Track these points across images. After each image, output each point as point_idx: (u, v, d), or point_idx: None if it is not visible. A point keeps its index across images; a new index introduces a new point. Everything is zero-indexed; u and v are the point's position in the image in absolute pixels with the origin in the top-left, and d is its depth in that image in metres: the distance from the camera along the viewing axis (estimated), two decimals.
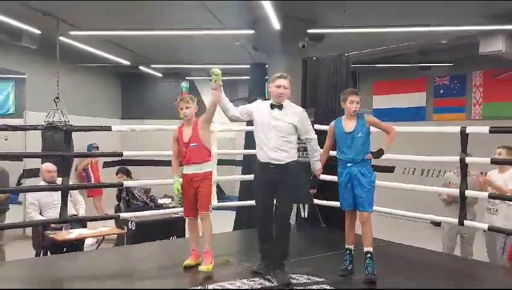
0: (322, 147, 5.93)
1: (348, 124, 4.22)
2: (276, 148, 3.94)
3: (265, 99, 7.27)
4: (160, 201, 7.67)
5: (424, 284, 4.02)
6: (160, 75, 13.44)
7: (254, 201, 4.19)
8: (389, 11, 6.98)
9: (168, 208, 6.84)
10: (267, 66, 7.93)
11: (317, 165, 4.37)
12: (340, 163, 4.25)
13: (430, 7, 6.74)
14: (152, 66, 12.15)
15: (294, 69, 6.94)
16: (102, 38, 8.93)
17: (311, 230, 6.13)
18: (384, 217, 6.27)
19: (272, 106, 4.03)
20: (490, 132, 4.73)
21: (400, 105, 11.41)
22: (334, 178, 5.88)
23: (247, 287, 3.74)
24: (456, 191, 4.98)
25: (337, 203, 5.93)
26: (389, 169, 10.61)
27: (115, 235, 6.09)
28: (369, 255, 4.01)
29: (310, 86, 6.57)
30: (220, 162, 5.85)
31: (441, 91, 10.90)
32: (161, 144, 5.52)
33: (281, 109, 4.01)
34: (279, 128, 3.95)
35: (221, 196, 10.03)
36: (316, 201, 6.09)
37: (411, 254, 5.12)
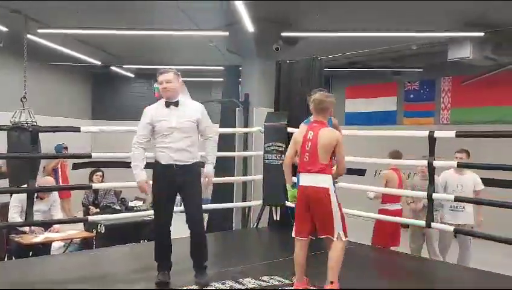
0: None
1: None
2: (180, 149, 3.71)
3: (240, 102, 7.37)
4: (131, 204, 7.56)
5: (389, 285, 4.07)
6: (132, 75, 13.26)
7: (153, 209, 3.97)
8: (362, 16, 7.06)
9: (139, 210, 6.73)
10: (241, 68, 7.92)
11: (210, 169, 3.93)
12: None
13: (401, 13, 6.86)
14: (124, 66, 11.97)
15: (268, 72, 6.97)
16: (72, 37, 8.74)
17: (283, 232, 6.12)
18: (354, 219, 6.33)
19: (167, 104, 3.79)
20: (457, 136, 4.86)
21: (371, 109, 11.58)
22: None
23: None
24: (423, 194, 5.08)
25: None
26: (360, 172, 10.75)
27: (82, 239, 5.96)
28: None
29: (284, 89, 6.60)
30: None
31: (411, 96, 11.12)
32: None
33: (177, 106, 3.78)
34: (181, 128, 3.73)
35: None
36: (288, 203, 6.11)
37: (380, 256, 5.19)
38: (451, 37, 7.53)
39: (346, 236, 3.58)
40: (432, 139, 4.95)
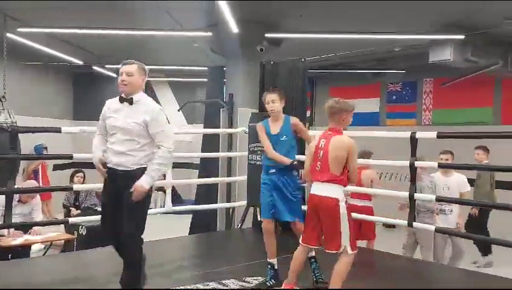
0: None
1: (273, 126, 3.97)
2: (120, 152, 3.33)
3: (225, 103, 7.35)
4: None
5: (371, 285, 4.10)
6: (115, 75, 13.12)
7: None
8: (346, 18, 7.12)
9: None
10: (225, 68, 7.90)
11: (142, 181, 3.28)
12: (263, 169, 4.02)
13: (384, 15, 6.93)
14: (106, 66, 11.85)
15: (253, 72, 6.97)
16: (54, 37, 8.63)
17: None
18: None
19: (121, 100, 3.41)
20: (438, 137, 4.94)
21: (354, 110, 11.64)
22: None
23: None
24: (405, 195, 5.13)
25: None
26: None
27: (63, 241, 5.88)
28: (313, 259, 3.95)
29: (269, 90, 6.59)
30: (177, 166, 5.78)
31: (394, 97, 11.23)
32: None
33: (131, 103, 3.37)
34: (124, 128, 3.33)
35: (178, 199, 9.91)
36: None
37: (364, 256, 5.22)
38: (433, 40, 7.63)
39: (353, 249, 3.41)
40: (413, 140, 5.00)
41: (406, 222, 5.10)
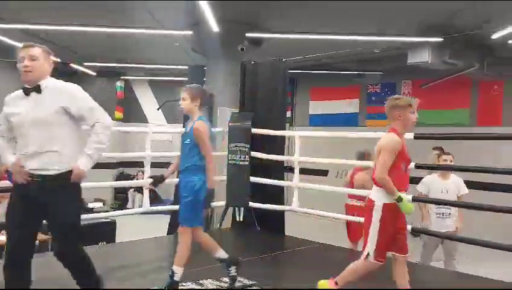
0: (266, 152, 6.09)
1: (188, 125, 3.66)
2: (36, 153, 2.73)
3: (204, 102, 7.30)
4: (90, 205, 7.39)
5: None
6: (93, 73, 12.96)
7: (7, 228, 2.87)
8: (327, 19, 7.16)
9: (98, 212, 6.59)
10: (205, 68, 7.87)
11: (81, 163, 2.79)
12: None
13: (364, 17, 6.99)
14: (85, 64, 11.69)
15: (233, 72, 6.96)
16: (31, 34, 8.47)
17: (245, 233, 6.13)
18: (320, 220, 6.42)
19: (26, 91, 2.82)
20: (415, 138, 5.01)
21: (335, 111, 11.75)
22: (272, 181, 6.07)
23: None
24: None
25: (272, 206, 6.10)
26: (323, 173, 10.88)
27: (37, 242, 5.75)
28: (170, 273, 3.56)
29: (249, 90, 6.60)
30: (156, 165, 5.73)
31: (373, 98, 11.34)
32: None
33: (39, 92, 2.79)
34: (39, 121, 2.73)
35: (156, 199, 9.83)
36: (251, 204, 6.12)
37: (342, 255, 5.25)
38: (411, 42, 7.73)
39: (375, 258, 3.18)
40: None
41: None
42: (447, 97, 9.93)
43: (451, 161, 5.38)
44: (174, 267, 3.57)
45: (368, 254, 3.20)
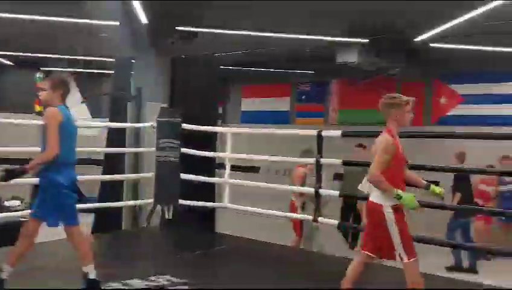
0: (189, 147, 5.99)
1: None
2: None
3: (132, 96, 7.06)
4: (6, 203, 6.90)
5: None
6: (11, 63, 12.12)
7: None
8: (259, 16, 7.15)
9: (16, 211, 6.15)
10: (134, 61, 7.59)
11: None
12: None
13: (296, 16, 7.06)
14: (0, 53, 10.90)
15: (163, 66, 6.78)
16: None
17: (175, 232, 6.01)
18: (250, 216, 6.43)
19: None
20: (342, 136, 5.19)
21: (266, 108, 11.84)
22: (202, 178, 5.99)
23: None
24: (311, 190, 5.28)
25: (204, 203, 6.03)
26: (255, 169, 10.94)
27: None
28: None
29: (179, 85, 6.47)
30: (79, 162, 5.45)
31: (303, 97, 11.56)
32: (12, 139, 4.93)
33: None
34: None
35: (79, 196, 9.35)
36: (181, 202, 6.00)
37: (273, 251, 5.29)
38: (340, 42, 7.93)
39: (410, 257, 3.12)
40: (320, 138, 5.16)
41: (311, 217, 5.26)
42: (373, 97, 10.23)
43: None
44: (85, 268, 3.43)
45: (400, 255, 3.12)
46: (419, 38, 7.27)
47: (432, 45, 7.75)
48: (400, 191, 3.08)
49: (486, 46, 7.62)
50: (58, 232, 3.70)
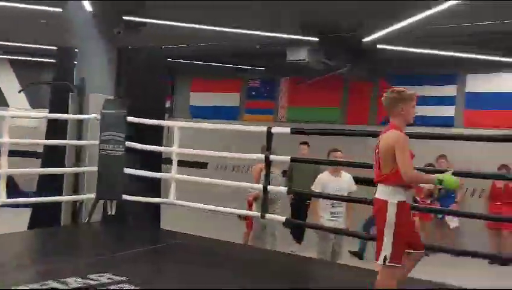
0: (134, 141, 5.82)
1: None
2: None
3: (75, 86, 6.77)
4: None
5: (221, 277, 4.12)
6: None
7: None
8: (210, 9, 7.04)
9: None
10: (76, 50, 7.28)
11: None
12: None
13: (248, 12, 7.00)
14: None
15: (108, 56, 6.55)
16: None
17: (118, 228, 5.84)
18: (198, 213, 6.36)
19: None
20: (291, 133, 5.21)
21: (215, 103, 11.74)
22: (148, 173, 5.84)
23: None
24: (260, 187, 5.27)
25: (148, 199, 5.88)
26: (202, 165, 10.82)
27: None
28: None
29: (125, 77, 6.29)
30: (16, 154, 5.19)
31: (253, 93, 11.55)
32: None
33: None
34: None
35: (15, 190, 8.89)
36: (125, 197, 5.82)
37: (219, 247, 5.25)
38: (290, 39, 7.96)
39: (394, 262, 3.02)
40: (269, 135, 5.17)
41: (259, 214, 5.26)
42: (321, 95, 10.47)
43: (341, 157, 5.46)
44: None
45: (385, 257, 3.02)
46: (367, 39, 7.41)
47: (379, 46, 7.93)
48: (439, 175, 3.00)
49: (431, 49, 7.88)
50: None
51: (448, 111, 9.02)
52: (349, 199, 5.30)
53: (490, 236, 7.92)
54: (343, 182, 5.44)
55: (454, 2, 5.29)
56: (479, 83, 8.91)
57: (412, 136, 4.52)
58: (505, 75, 8.66)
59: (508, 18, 6.22)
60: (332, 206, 5.34)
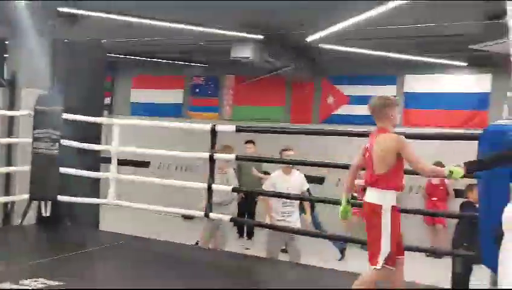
0: (70, 139, 5.55)
1: None
2: None
3: (5, 80, 6.37)
4: None
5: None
6: None
7: None
8: (151, 3, 6.83)
9: None
10: (7, 42, 6.86)
11: None
12: None
13: (191, 7, 6.86)
14: None
15: (43, 49, 6.21)
16: None
17: (53, 230, 5.57)
18: (139, 212, 6.18)
19: None
20: (236, 131, 5.21)
21: (158, 100, 11.48)
22: (85, 172, 5.59)
23: None
24: (204, 185, 5.18)
25: (84, 199, 5.63)
26: (144, 164, 10.56)
27: None
28: None
29: (61, 71, 5.99)
30: None
31: (197, 90, 11.40)
32: None
33: None
34: None
35: None
36: (60, 198, 5.55)
37: (161, 248, 5.13)
38: (234, 37, 7.90)
39: (390, 265, 3.12)
40: (213, 133, 5.11)
41: (202, 213, 5.18)
42: (266, 94, 10.51)
43: (293, 156, 5.37)
44: None
45: (383, 261, 3.08)
46: (311, 39, 7.48)
47: (321, 45, 8.04)
48: (450, 167, 3.09)
49: (372, 50, 8.09)
50: None
51: None
52: (300, 198, 5.32)
53: (427, 230, 8.33)
54: (294, 181, 5.37)
55: (396, 3, 5.42)
56: (417, 84, 9.29)
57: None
58: (443, 76, 9.08)
59: (447, 21, 6.48)
60: (283, 206, 5.30)
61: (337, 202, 3.84)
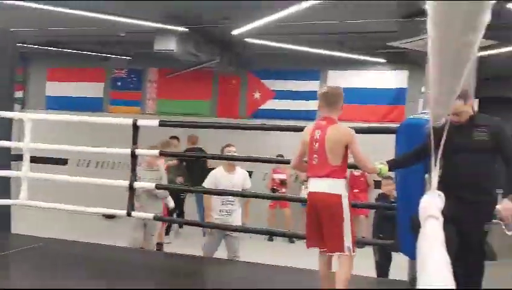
0: None
1: None
2: None
3: None
4: None
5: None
6: None
7: None
8: None
9: None
10: None
11: None
12: None
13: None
14: None
15: None
16: None
17: None
18: (59, 213, 5.81)
19: None
20: (160, 125, 4.99)
21: (76, 94, 10.88)
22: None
23: None
24: (126, 183, 4.96)
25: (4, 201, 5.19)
26: (62, 161, 10.01)
27: None
28: None
29: None
30: None
31: (119, 84, 10.94)
32: None
33: None
34: None
35: None
36: None
37: (80, 250, 4.87)
38: (157, 28, 7.64)
39: (354, 251, 3.20)
40: (135, 128, 4.89)
41: (124, 212, 4.95)
42: (191, 88, 10.30)
43: (234, 152, 5.23)
44: None
45: (348, 248, 3.16)
46: (236, 32, 7.41)
47: (247, 39, 8.00)
48: (378, 165, 3.30)
49: (297, 45, 8.18)
50: None
51: (312, 105, 9.38)
52: (241, 195, 5.15)
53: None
54: (237, 178, 5.20)
55: (310, 3, 5.49)
56: (340, 79, 9.52)
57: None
58: (364, 72, 9.40)
59: (367, 18, 6.68)
60: (222, 204, 5.13)
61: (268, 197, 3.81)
